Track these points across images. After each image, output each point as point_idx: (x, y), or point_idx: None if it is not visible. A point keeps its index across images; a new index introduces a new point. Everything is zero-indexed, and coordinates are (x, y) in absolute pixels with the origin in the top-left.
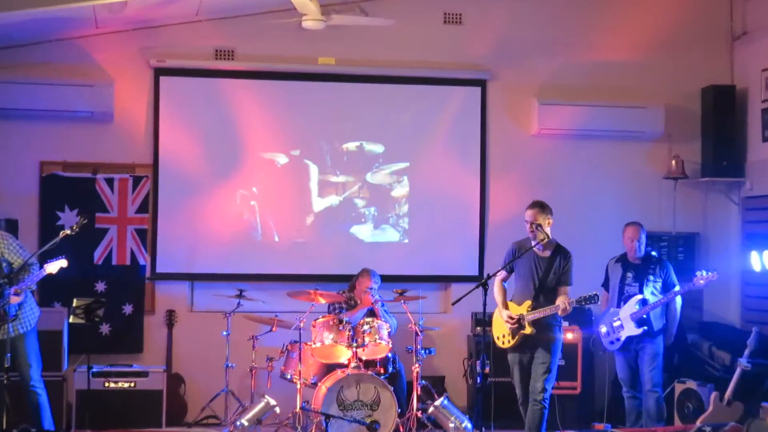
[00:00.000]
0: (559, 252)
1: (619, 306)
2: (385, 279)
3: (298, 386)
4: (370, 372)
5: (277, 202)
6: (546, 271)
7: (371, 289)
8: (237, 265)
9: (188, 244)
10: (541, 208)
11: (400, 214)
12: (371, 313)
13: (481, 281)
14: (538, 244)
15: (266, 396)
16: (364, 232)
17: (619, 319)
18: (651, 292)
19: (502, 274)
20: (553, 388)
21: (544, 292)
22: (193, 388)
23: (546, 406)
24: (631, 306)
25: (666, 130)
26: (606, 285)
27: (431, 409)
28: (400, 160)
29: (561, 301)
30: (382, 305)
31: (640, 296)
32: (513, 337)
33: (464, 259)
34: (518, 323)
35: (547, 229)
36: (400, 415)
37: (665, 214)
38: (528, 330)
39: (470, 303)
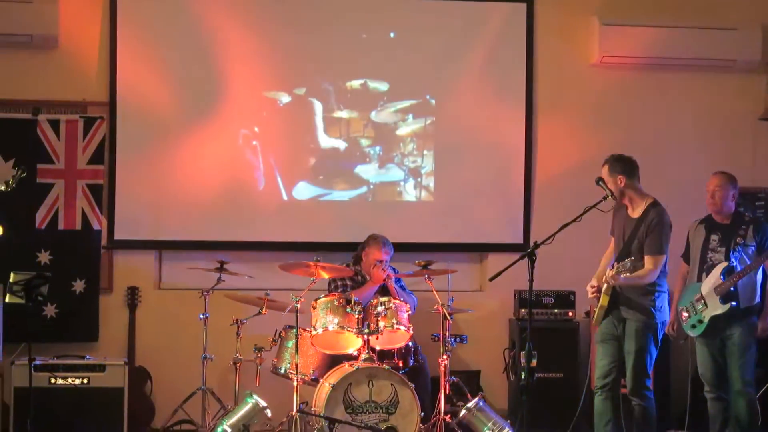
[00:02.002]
0: (648, 213)
1: (700, 279)
2: (406, 248)
3: (295, 383)
4: (385, 365)
5: (281, 142)
6: (632, 234)
7: (382, 261)
8: (217, 230)
9: (155, 203)
10: (611, 163)
11: (422, 165)
12: (383, 290)
13: (527, 250)
14: (600, 202)
15: (254, 395)
16: (369, 173)
17: (700, 295)
18: (741, 260)
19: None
20: (645, 383)
21: (629, 259)
22: (162, 386)
23: (646, 404)
24: (715, 277)
25: (763, 57)
26: (687, 255)
27: (463, 412)
28: (422, 98)
29: (609, 274)
30: (398, 281)
31: (725, 264)
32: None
33: (505, 222)
34: (599, 293)
35: (617, 186)
36: (423, 420)
37: (761, 164)
38: (602, 301)
39: (513, 278)
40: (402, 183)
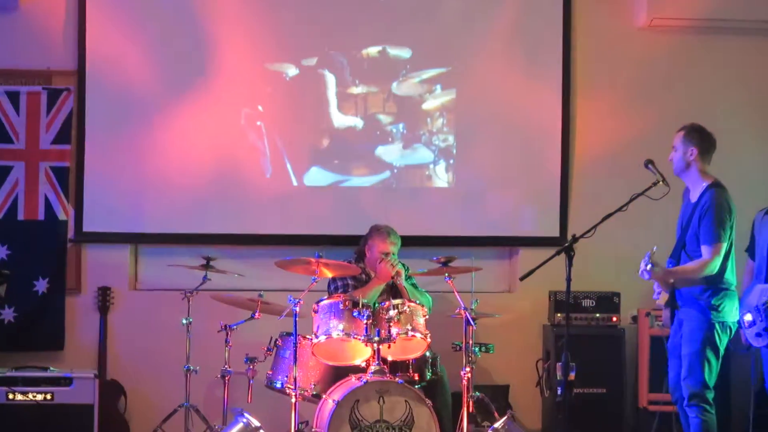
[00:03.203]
0: (703, 195)
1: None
2: (423, 242)
3: (293, 400)
4: (398, 379)
5: (288, 122)
6: (688, 221)
7: (388, 254)
8: (203, 221)
9: (131, 189)
10: (688, 130)
11: (442, 146)
12: (393, 291)
13: (564, 245)
14: (650, 188)
15: (246, 414)
16: (392, 155)
17: (767, 298)
18: None
19: None
20: (701, 393)
21: (686, 249)
22: (138, 403)
23: (698, 416)
24: None
25: None
26: (752, 249)
27: None
28: (442, 68)
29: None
30: (408, 278)
31: None
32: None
33: (538, 212)
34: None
35: (686, 158)
36: None
37: None
38: (661, 299)
39: (547, 278)
40: (431, 166)
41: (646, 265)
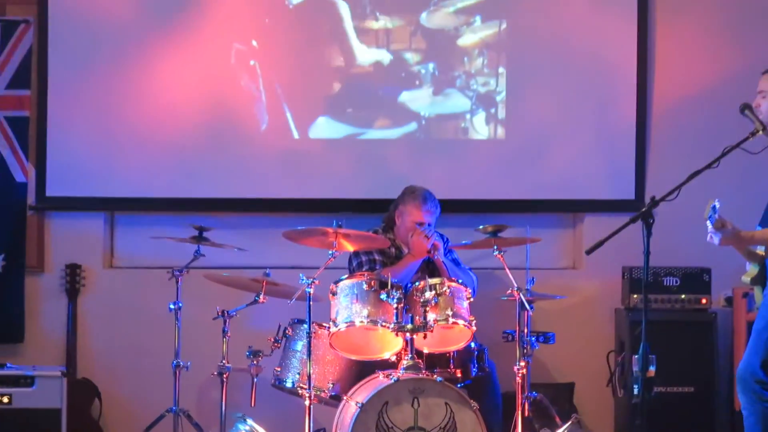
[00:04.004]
0: None
1: None
2: (465, 207)
3: (307, 403)
4: (436, 377)
5: (291, 62)
6: None
7: (423, 225)
8: (195, 184)
9: (105, 144)
10: None
11: (497, 90)
12: (428, 267)
13: (642, 210)
14: (746, 140)
15: (249, 420)
16: (419, 102)
17: None
18: None
19: None
20: (759, 375)
21: None
22: (115, 407)
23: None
24: None
25: None
26: None
27: None
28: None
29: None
30: (449, 253)
31: None
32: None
33: (609, 170)
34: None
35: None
36: None
37: None
38: (748, 274)
39: (620, 251)
40: (468, 116)
41: (712, 223)
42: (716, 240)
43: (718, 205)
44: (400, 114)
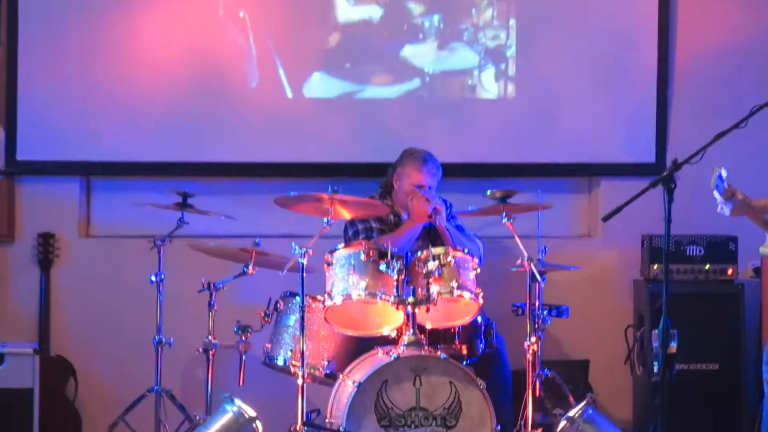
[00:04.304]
0: None
1: None
2: (471, 171)
3: (300, 381)
4: (440, 354)
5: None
6: None
7: (423, 188)
8: (178, 146)
9: (81, 103)
10: None
11: (491, 45)
12: (431, 236)
13: (662, 174)
14: None
15: (237, 401)
16: (423, 57)
17: None
18: None
19: None
20: None
21: None
22: (92, 387)
23: None
24: None
25: None
26: None
27: (562, 424)
28: None
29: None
30: (452, 219)
31: None
32: None
33: (627, 131)
34: None
35: None
36: None
37: None
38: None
39: (640, 218)
40: (475, 72)
41: (720, 193)
42: (726, 210)
43: (724, 174)
44: (402, 70)
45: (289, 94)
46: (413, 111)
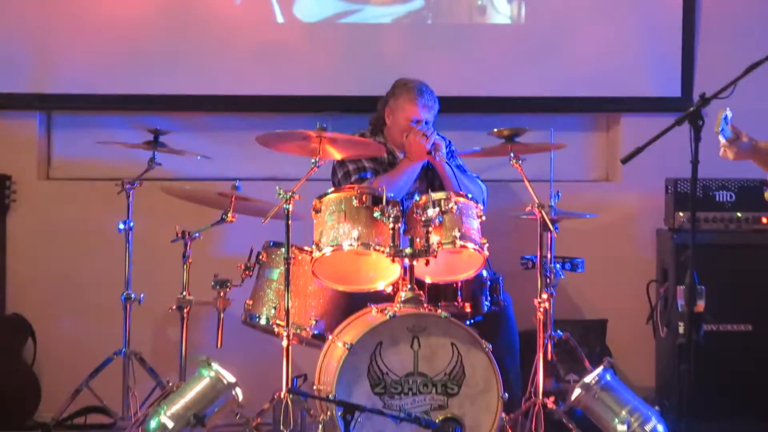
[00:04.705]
0: None
1: None
2: (475, 106)
3: (285, 343)
4: (441, 312)
5: None
6: None
7: (419, 123)
8: (148, 76)
9: (40, 29)
10: None
11: None
12: (427, 176)
13: (689, 109)
14: None
15: (214, 365)
16: None
17: None
18: None
19: None
20: None
21: None
22: (53, 349)
23: None
24: None
25: None
26: None
27: (577, 392)
28: None
29: None
30: (452, 158)
31: None
32: None
33: (649, 61)
34: None
35: None
36: (508, 407)
37: None
38: None
39: (663, 159)
40: None
41: (726, 137)
42: (730, 154)
43: (730, 115)
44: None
45: (278, 15)
46: (412, 37)
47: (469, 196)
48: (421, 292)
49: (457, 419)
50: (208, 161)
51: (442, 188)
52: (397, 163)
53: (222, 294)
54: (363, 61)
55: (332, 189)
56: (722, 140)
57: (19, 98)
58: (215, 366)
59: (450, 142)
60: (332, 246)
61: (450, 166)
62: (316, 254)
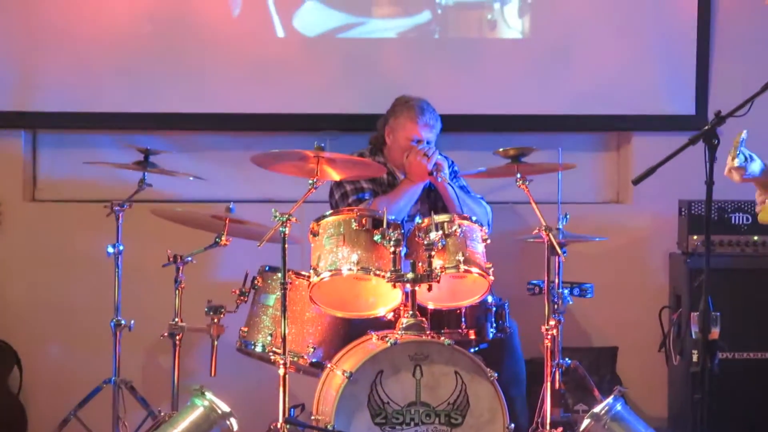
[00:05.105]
0: None
1: None
2: (480, 125)
3: (281, 372)
4: (444, 339)
5: None
6: None
7: (420, 142)
8: (138, 94)
9: (25, 44)
10: None
11: None
12: (429, 197)
13: (704, 129)
14: None
15: (208, 394)
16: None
17: None
18: None
19: None
20: None
21: None
22: (40, 377)
23: None
24: None
25: None
26: None
27: (586, 423)
28: None
29: None
30: (455, 179)
31: None
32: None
33: (662, 79)
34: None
35: None
36: None
37: None
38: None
39: (677, 180)
40: (496, 5)
41: (735, 159)
42: (736, 176)
43: (744, 137)
44: (409, 1)
45: (278, 28)
46: (417, 52)
47: (474, 218)
48: (424, 319)
49: None
50: (201, 182)
51: (444, 210)
52: (397, 184)
53: (216, 320)
54: (364, 78)
55: (330, 211)
56: (735, 162)
57: (3, 116)
58: (209, 395)
59: (453, 162)
60: (331, 271)
61: (453, 187)
62: (314, 279)
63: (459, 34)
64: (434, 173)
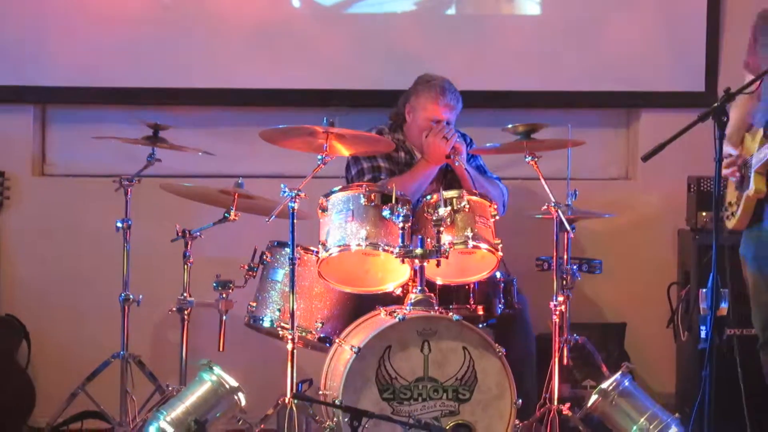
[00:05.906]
0: None
1: None
2: (491, 101)
3: (290, 347)
4: (453, 315)
5: None
6: None
7: (441, 122)
8: (147, 68)
9: (33, 19)
10: None
11: None
12: (446, 177)
13: (713, 105)
14: None
15: (216, 369)
16: None
17: None
18: None
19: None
20: None
21: None
22: (48, 351)
23: None
24: None
25: None
26: None
27: (594, 398)
28: None
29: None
30: (473, 159)
31: None
32: (738, 206)
33: (671, 55)
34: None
35: None
36: (521, 413)
37: None
38: (756, 184)
39: (686, 157)
40: None
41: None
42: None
43: None
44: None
45: (296, 3)
46: (431, 27)
47: (482, 193)
48: (432, 294)
49: (468, 426)
50: (210, 157)
51: (459, 188)
52: (414, 163)
53: (224, 295)
54: (376, 53)
55: (339, 187)
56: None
57: (12, 91)
58: (217, 370)
59: (471, 140)
60: (339, 246)
61: (470, 170)
62: (323, 254)
63: (476, 10)
64: (452, 156)
